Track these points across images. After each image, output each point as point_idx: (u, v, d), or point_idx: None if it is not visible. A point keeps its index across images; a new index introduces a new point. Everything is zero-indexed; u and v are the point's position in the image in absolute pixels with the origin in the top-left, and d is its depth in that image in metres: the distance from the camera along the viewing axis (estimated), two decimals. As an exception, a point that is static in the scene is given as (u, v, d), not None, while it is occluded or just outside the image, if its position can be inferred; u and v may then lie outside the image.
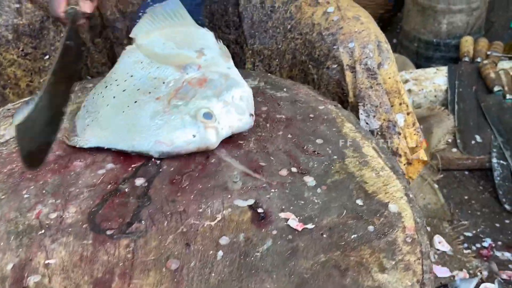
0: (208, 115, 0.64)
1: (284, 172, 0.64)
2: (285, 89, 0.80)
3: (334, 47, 0.81)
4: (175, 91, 0.68)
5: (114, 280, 0.51)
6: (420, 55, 1.97)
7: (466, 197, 1.44)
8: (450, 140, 1.57)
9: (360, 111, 0.81)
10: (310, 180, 0.62)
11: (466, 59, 1.79)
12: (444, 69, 1.77)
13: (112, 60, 1.04)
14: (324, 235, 0.55)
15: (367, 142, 0.69)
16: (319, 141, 0.69)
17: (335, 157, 0.66)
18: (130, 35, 0.81)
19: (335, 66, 0.82)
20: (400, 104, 0.84)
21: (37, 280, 0.51)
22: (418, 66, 1.91)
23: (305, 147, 0.68)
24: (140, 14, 0.82)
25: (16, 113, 0.75)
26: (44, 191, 0.62)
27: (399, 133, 0.81)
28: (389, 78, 0.82)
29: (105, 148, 0.67)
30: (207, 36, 0.78)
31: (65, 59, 0.71)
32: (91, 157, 0.67)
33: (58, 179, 0.63)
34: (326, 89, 0.84)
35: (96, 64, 1.03)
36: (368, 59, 0.80)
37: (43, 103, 0.62)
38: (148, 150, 0.65)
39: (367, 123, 0.81)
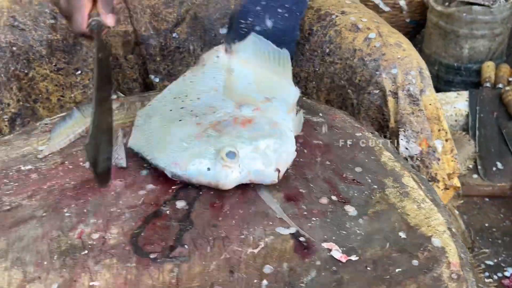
0: (232, 155, 0.63)
1: (324, 200, 0.64)
2: (321, 114, 0.81)
3: (377, 72, 0.82)
4: (216, 122, 0.68)
5: (159, 306, 0.51)
6: (441, 79, 1.97)
7: (486, 225, 1.43)
8: (471, 166, 1.56)
9: (401, 137, 0.81)
10: (351, 210, 0.62)
11: (488, 84, 1.79)
12: (465, 94, 1.77)
13: (143, 76, 1.04)
14: (369, 268, 0.55)
15: (407, 172, 0.69)
16: (357, 169, 0.69)
17: (375, 186, 0.66)
18: (230, 46, 0.80)
19: (377, 91, 0.82)
20: (439, 130, 0.84)
21: (82, 303, 0.51)
22: (438, 90, 1.90)
23: (344, 175, 0.68)
24: (242, 24, 0.81)
25: (53, 128, 0.76)
26: (85, 210, 0.62)
27: (439, 159, 0.82)
28: (430, 104, 0.83)
29: (139, 156, 0.68)
30: (292, 94, 0.75)
31: (102, 72, 0.71)
32: (131, 177, 0.67)
33: (99, 198, 0.63)
34: (366, 114, 0.84)
35: (127, 80, 1.04)
36: (410, 85, 0.81)
37: (98, 120, 0.63)
38: (164, 167, 0.65)
39: (407, 148, 0.81)
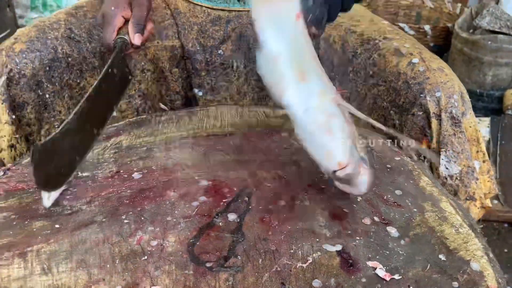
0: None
1: (367, 220, 0.67)
2: (359, 136, 0.84)
3: (421, 95, 0.86)
4: None
5: (217, 312, 0.54)
6: (463, 104, 2.00)
7: (505, 250, 1.45)
8: (491, 192, 1.58)
9: (442, 156, 0.85)
10: (393, 231, 0.65)
11: (510, 112, 1.81)
12: (486, 120, 1.80)
13: (185, 89, 1.09)
14: (411, 287, 0.58)
15: (444, 198, 0.72)
16: (398, 192, 0.72)
17: (415, 209, 0.69)
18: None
19: (421, 113, 0.86)
20: (477, 152, 0.88)
21: (145, 305, 0.54)
22: (460, 115, 1.94)
23: (385, 197, 0.71)
24: None
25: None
26: (142, 218, 0.66)
27: (477, 179, 0.86)
28: (470, 127, 0.87)
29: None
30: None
31: (104, 86, 0.76)
32: (184, 188, 0.71)
33: (155, 207, 0.67)
34: (408, 134, 0.89)
35: (170, 92, 1.08)
36: (453, 108, 0.85)
37: (70, 127, 0.68)
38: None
39: (447, 168, 0.85)
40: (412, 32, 2.20)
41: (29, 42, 0.91)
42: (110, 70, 0.78)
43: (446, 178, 0.85)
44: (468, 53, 1.95)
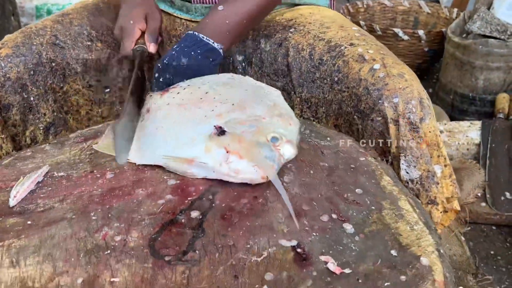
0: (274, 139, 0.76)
1: (325, 217, 0.70)
2: (328, 138, 0.87)
3: (380, 101, 0.88)
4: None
5: (170, 302, 0.57)
6: (455, 108, 2.02)
7: (492, 252, 1.46)
8: (479, 194, 1.60)
9: (402, 161, 0.87)
10: (349, 228, 0.68)
11: (501, 115, 1.83)
12: (478, 124, 1.81)
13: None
14: (360, 280, 0.61)
15: (403, 196, 0.74)
16: (358, 191, 0.75)
17: (373, 207, 0.72)
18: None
19: (379, 118, 0.88)
20: (438, 156, 0.90)
21: (103, 296, 0.58)
22: (452, 118, 1.96)
23: (345, 196, 0.74)
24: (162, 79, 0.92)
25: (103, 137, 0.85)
26: (110, 215, 0.69)
27: (438, 183, 0.88)
28: (429, 132, 0.88)
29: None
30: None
31: (136, 87, 0.88)
32: (152, 187, 0.74)
33: (122, 205, 0.71)
34: (369, 139, 0.90)
35: None
36: (411, 114, 0.87)
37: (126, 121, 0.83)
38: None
39: (407, 173, 0.87)
40: (406, 37, 2.23)
41: (15, 47, 0.95)
42: (138, 73, 0.91)
43: (407, 183, 0.88)
44: (460, 57, 1.97)
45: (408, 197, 0.74)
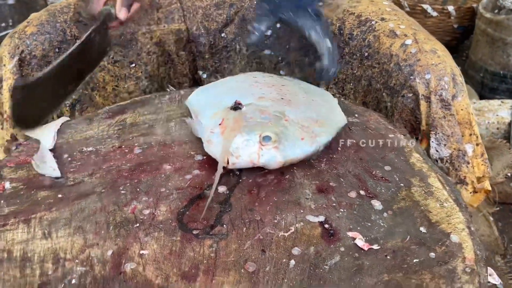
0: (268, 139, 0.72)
1: (353, 194, 0.69)
2: (356, 115, 0.86)
3: (411, 77, 0.86)
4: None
5: (199, 275, 0.58)
6: (485, 86, 1.97)
7: (521, 233, 1.44)
8: (509, 174, 1.56)
9: (432, 139, 0.86)
10: (377, 204, 0.67)
11: (533, 94, 1.77)
12: (509, 102, 1.76)
13: (192, 71, 1.12)
14: (388, 257, 0.60)
15: (433, 173, 0.73)
16: (387, 167, 0.74)
17: (402, 184, 0.71)
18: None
19: (411, 95, 0.87)
20: (470, 135, 0.88)
21: (133, 267, 0.59)
22: (482, 97, 1.91)
23: (373, 172, 0.73)
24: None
25: None
26: (138, 189, 0.70)
27: (468, 163, 0.86)
28: (462, 109, 0.86)
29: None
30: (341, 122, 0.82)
31: (82, 50, 0.82)
32: (179, 162, 0.74)
33: (151, 180, 0.71)
34: (399, 116, 0.89)
35: (178, 75, 1.12)
36: (443, 90, 0.85)
37: (47, 76, 0.77)
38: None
39: (437, 151, 0.85)
40: (435, 14, 2.17)
41: (40, 25, 0.96)
42: (91, 35, 0.83)
43: (436, 161, 0.86)
44: (492, 34, 1.91)
45: (438, 175, 0.73)
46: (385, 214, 0.66)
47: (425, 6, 2.17)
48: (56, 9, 0.99)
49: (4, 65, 0.92)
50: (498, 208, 1.49)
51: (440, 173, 0.74)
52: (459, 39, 2.28)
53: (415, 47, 0.88)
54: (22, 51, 0.93)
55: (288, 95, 0.82)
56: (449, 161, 0.86)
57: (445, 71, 0.86)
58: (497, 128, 1.72)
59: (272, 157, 0.70)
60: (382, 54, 0.91)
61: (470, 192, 0.88)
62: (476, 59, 2.02)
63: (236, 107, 0.76)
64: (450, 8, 2.16)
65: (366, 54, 0.94)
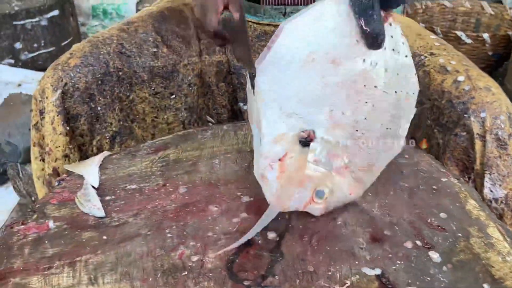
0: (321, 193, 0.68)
1: (409, 244, 0.66)
2: (406, 156, 0.83)
3: (465, 115, 0.84)
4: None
5: (252, 331, 0.55)
6: (522, 116, 1.92)
7: None
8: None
9: (486, 179, 0.83)
10: (435, 256, 0.64)
11: None
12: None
13: (231, 103, 1.11)
14: (452, 317, 0.57)
15: (492, 223, 0.70)
16: (442, 215, 0.71)
17: (460, 234, 0.68)
18: None
19: (464, 133, 0.84)
20: None
21: (183, 320, 0.56)
22: (519, 127, 1.86)
23: (429, 220, 0.70)
24: None
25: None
26: (185, 233, 0.68)
27: None
28: None
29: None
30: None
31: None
32: (225, 204, 0.72)
33: (197, 222, 0.69)
34: (451, 154, 0.87)
35: (217, 106, 1.10)
36: (499, 129, 0.82)
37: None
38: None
39: (491, 191, 0.83)
40: (469, 41, 2.14)
41: (83, 57, 0.96)
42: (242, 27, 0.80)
43: (490, 201, 0.83)
44: (529, 63, 1.87)
45: (497, 224, 0.70)
46: (444, 268, 0.63)
47: (459, 33, 2.14)
48: (99, 40, 0.99)
49: (47, 97, 0.92)
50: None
51: (500, 223, 0.70)
52: (493, 66, 2.24)
53: (468, 84, 0.86)
54: (66, 84, 0.92)
55: (366, 122, 0.68)
56: (504, 201, 0.83)
57: (500, 109, 0.83)
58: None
59: (316, 209, 0.69)
60: (433, 90, 0.89)
61: None
62: (511, 87, 1.97)
63: (305, 142, 0.67)
64: (485, 35, 2.13)
65: None
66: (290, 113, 0.66)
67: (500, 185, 0.83)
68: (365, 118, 0.68)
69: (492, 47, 2.14)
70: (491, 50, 2.15)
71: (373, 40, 0.63)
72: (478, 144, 0.83)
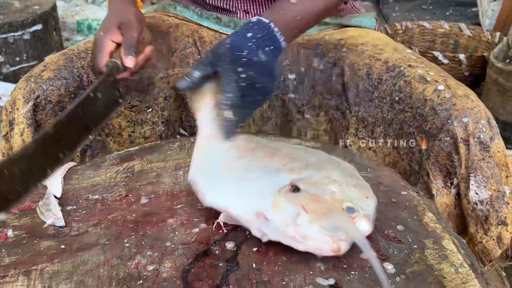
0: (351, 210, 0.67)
1: (364, 255, 0.67)
2: (368, 169, 0.84)
3: (449, 121, 0.86)
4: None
5: None
6: (497, 135, 1.95)
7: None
8: (522, 228, 1.53)
9: (471, 182, 0.86)
10: (389, 267, 0.65)
11: (546, 145, 1.75)
12: (521, 153, 1.75)
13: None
14: (401, 326, 0.57)
15: (447, 235, 0.71)
16: (399, 227, 0.72)
17: (415, 246, 0.69)
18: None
19: (448, 139, 0.87)
20: (507, 177, 0.88)
21: (134, 329, 0.56)
22: (493, 146, 1.89)
23: (386, 232, 0.71)
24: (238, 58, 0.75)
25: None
26: (143, 242, 0.68)
27: (508, 203, 0.86)
28: (499, 152, 0.87)
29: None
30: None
31: (80, 110, 0.73)
32: (186, 214, 0.73)
33: (156, 232, 0.70)
34: (435, 160, 0.89)
35: (190, 118, 1.11)
36: (481, 133, 0.85)
37: (26, 153, 0.63)
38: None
39: (477, 193, 0.85)
40: (446, 61, 2.18)
41: (57, 70, 0.96)
42: (92, 94, 0.76)
43: (476, 204, 0.85)
44: (503, 84, 1.91)
45: (452, 236, 0.71)
46: (397, 279, 0.63)
47: (436, 53, 2.18)
48: (74, 54, 0.99)
49: (17, 108, 0.92)
50: (511, 263, 1.45)
51: (455, 235, 0.71)
52: (470, 86, 2.27)
53: (448, 92, 0.88)
54: (38, 96, 0.93)
55: (308, 159, 0.74)
56: (489, 202, 0.86)
57: (480, 114, 0.86)
58: (509, 179, 1.70)
59: (364, 225, 0.66)
60: (416, 99, 0.91)
61: (510, 233, 0.87)
62: (487, 107, 2.01)
63: (295, 188, 0.68)
64: (461, 56, 2.17)
65: (397, 98, 0.94)
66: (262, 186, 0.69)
67: (484, 187, 0.85)
68: None
69: (468, 68, 2.19)
70: (467, 70, 2.19)
71: None
72: (462, 148, 0.86)
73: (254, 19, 0.78)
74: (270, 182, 0.69)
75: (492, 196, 0.86)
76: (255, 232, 0.66)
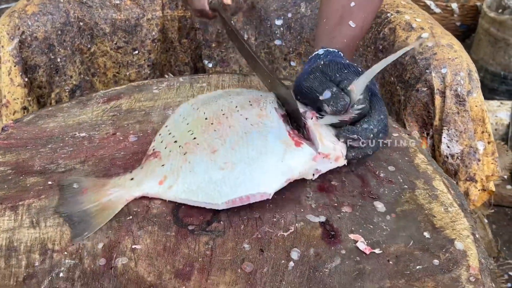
0: None
1: (355, 194, 0.67)
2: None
3: (427, 71, 0.84)
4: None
5: (193, 273, 0.55)
6: (485, 86, 1.95)
7: (515, 236, 1.43)
8: (506, 177, 1.55)
9: (444, 135, 0.84)
10: (380, 206, 0.65)
11: (533, 96, 1.76)
12: (508, 104, 1.75)
13: (194, 60, 1.09)
14: (391, 262, 0.58)
15: (438, 176, 0.71)
16: (391, 168, 0.72)
17: (406, 186, 0.69)
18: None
19: (425, 89, 0.85)
20: (483, 132, 0.86)
21: (125, 263, 0.56)
22: (481, 97, 1.89)
23: (377, 173, 0.70)
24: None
25: None
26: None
27: (479, 160, 0.84)
28: (476, 106, 0.85)
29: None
30: None
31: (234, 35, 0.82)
32: (176, 153, 0.71)
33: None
34: (412, 110, 0.87)
35: (179, 63, 1.08)
36: (458, 86, 0.83)
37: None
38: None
39: (448, 147, 0.84)
40: (438, 10, 2.14)
41: (41, 4, 0.92)
42: (227, 27, 0.85)
43: (447, 157, 0.84)
44: (495, 34, 1.89)
45: (443, 177, 0.71)
46: (388, 217, 0.64)
47: (428, 2, 2.14)
48: None
49: (3, 46, 0.88)
50: (493, 210, 1.48)
51: (445, 176, 0.72)
52: (461, 37, 2.25)
53: (431, 41, 0.86)
54: (23, 32, 0.89)
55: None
56: (460, 157, 0.85)
57: (461, 66, 0.84)
58: (495, 129, 1.71)
59: None
60: (398, 47, 0.89)
61: (479, 190, 0.86)
62: (477, 58, 2.00)
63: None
64: (454, 5, 2.14)
65: (380, 47, 0.92)
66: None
67: (457, 141, 0.85)
68: None
69: (460, 18, 2.16)
70: (459, 20, 2.16)
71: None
72: (437, 99, 0.84)
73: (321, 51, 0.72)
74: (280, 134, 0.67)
75: (464, 151, 0.85)
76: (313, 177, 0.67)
